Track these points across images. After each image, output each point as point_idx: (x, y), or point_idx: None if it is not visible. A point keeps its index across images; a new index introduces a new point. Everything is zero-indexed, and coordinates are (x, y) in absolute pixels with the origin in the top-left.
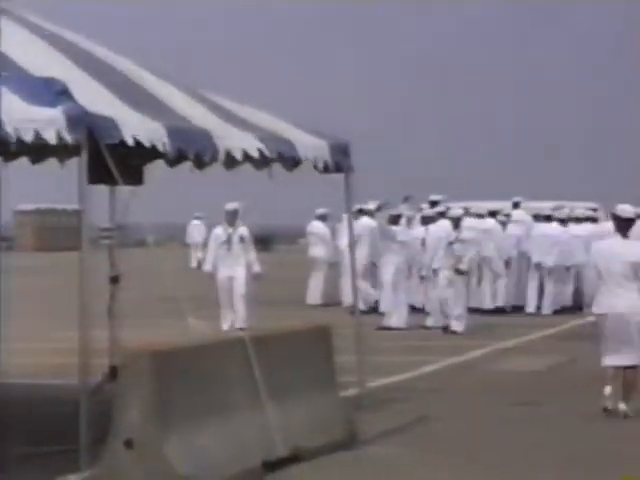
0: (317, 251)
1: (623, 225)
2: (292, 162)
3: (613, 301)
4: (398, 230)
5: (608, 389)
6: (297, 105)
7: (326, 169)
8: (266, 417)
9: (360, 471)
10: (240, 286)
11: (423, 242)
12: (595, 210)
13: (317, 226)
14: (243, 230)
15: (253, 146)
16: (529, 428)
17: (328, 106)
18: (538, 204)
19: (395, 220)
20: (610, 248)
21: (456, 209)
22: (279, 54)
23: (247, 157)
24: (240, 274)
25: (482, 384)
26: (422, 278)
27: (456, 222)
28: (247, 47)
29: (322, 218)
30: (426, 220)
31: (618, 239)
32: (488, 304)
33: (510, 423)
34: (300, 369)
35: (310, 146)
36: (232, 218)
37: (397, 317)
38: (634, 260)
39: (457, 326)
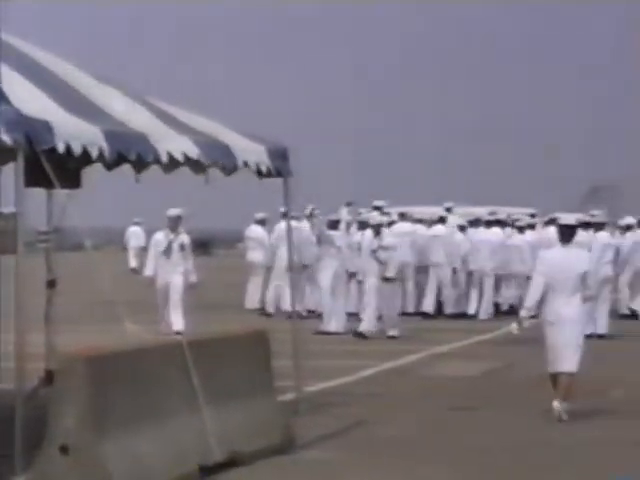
0: (255, 255)
1: (567, 233)
2: (230, 167)
3: (558, 309)
4: (336, 235)
5: (555, 404)
6: (237, 110)
7: (264, 174)
8: (203, 422)
9: (297, 475)
10: (176, 293)
11: (359, 247)
12: (534, 216)
13: (255, 230)
14: (184, 237)
15: (191, 150)
16: (465, 432)
17: (270, 110)
18: (472, 209)
19: (334, 225)
20: (557, 257)
21: (376, 216)
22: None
23: (187, 159)
24: (177, 281)
25: (418, 389)
26: (359, 283)
27: (377, 229)
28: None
29: (261, 222)
30: (363, 225)
31: (562, 248)
32: (429, 309)
33: (446, 427)
34: (238, 373)
35: (248, 151)
36: (174, 224)
37: (335, 322)
38: (580, 271)
39: (393, 331)
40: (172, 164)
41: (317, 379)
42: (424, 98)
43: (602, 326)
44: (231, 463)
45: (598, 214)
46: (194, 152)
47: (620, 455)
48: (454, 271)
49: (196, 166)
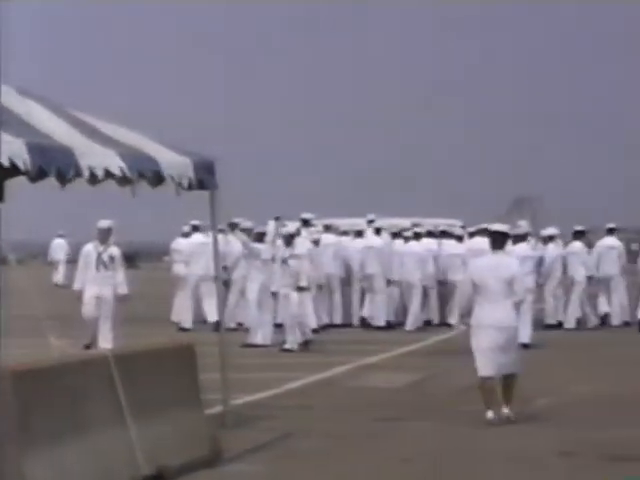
0: (182, 268)
1: (499, 240)
2: (155, 179)
3: (492, 314)
4: (262, 248)
5: (506, 411)
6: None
7: (190, 186)
8: (130, 436)
9: None
10: (107, 306)
11: (285, 260)
12: (464, 227)
13: (181, 243)
14: (114, 249)
15: (115, 164)
16: (389, 443)
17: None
18: (395, 221)
19: (260, 238)
20: (487, 264)
21: (291, 226)
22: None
23: (109, 174)
24: (107, 294)
25: (345, 400)
26: (273, 295)
27: (288, 239)
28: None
29: (187, 235)
30: (288, 238)
31: (492, 255)
32: (356, 320)
33: (371, 438)
34: (165, 387)
35: (173, 163)
36: (105, 236)
37: (262, 334)
38: (508, 276)
39: (290, 345)
40: (96, 178)
41: (244, 392)
42: (346, 111)
43: (525, 335)
44: (159, 477)
45: (523, 225)
46: (117, 167)
47: (544, 465)
48: (388, 282)
49: (122, 179)
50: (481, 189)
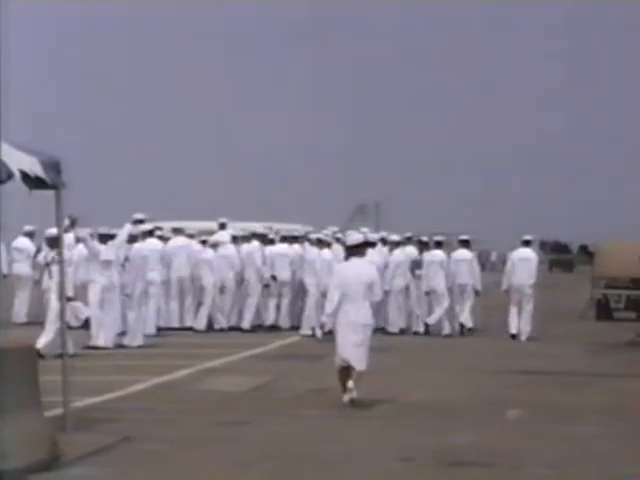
0: (22, 268)
1: (360, 248)
2: (2, 177)
3: (353, 314)
4: (102, 249)
5: (350, 384)
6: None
7: (36, 185)
8: None
9: None
10: None
11: (127, 258)
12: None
13: (23, 242)
14: None
15: None
16: (227, 446)
17: (47, 123)
18: (246, 224)
19: (104, 239)
20: (349, 269)
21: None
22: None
23: None
24: None
25: (186, 404)
26: (127, 296)
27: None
28: None
29: (29, 235)
30: (131, 239)
31: (354, 261)
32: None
33: (209, 442)
34: (4, 388)
35: (20, 162)
36: None
37: (104, 336)
38: (368, 280)
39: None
40: None
41: (86, 394)
42: (203, 111)
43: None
44: None
45: (367, 231)
46: None
47: (385, 469)
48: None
49: None
50: (324, 195)
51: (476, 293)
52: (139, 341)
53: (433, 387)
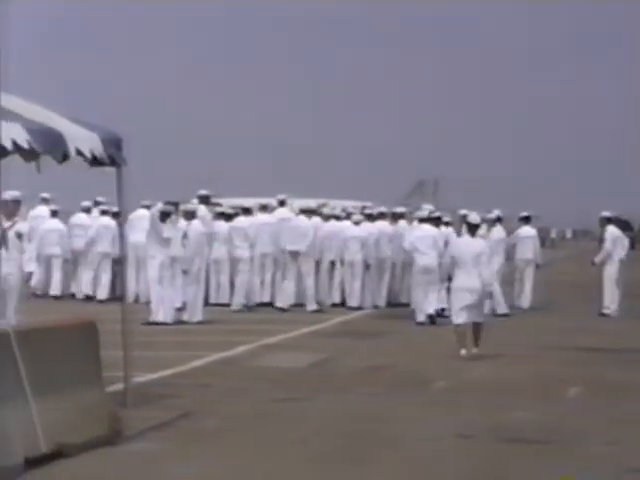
0: (81, 243)
1: (473, 228)
2: (61, 155)
3: (469, 279)
4: (166, 226)
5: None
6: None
7: (97, 162)
8: (30, 413)
9: (122, 467)
10: (13, 286)
11: (185, 235)
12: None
13: (81, 218)
14: (22, 226)
15: (22, 137)
16: (287, 423)
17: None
18: (303, 201)
19: (163, 217)
20: (464, 243)
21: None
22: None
23: (17, 148)
24: (13, 274)
25: (246, 380)
26: (185, 273)
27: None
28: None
29: (87, 210)
30: (188, 215)
31: (468, 238)
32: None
33: (269, 418)
34: (66, 364)
35: (80, 138)
36: (12, 210)
37: (163, 312)
38: (479, 251)
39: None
40: (1, 152)
41: (147, 370)
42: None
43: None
44: (57, 455)
45: (431, 208)
46: (25, 139)
47: (444, 445)
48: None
49: (26, 153)
50: (381, 171)
51: (537, 266)
52: (198, 317)
53: (492, 364)
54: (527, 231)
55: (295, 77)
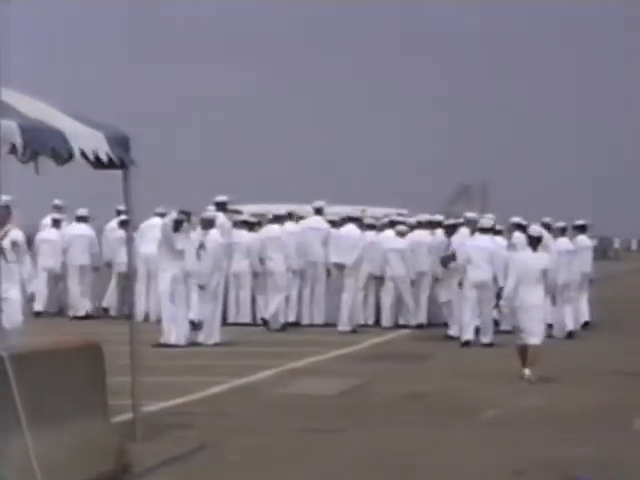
0: None
1: (535, 241)
2: (63, 155)
3: (527, 295)
4: (179, 237)
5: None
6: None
7: (104, 163)
8: (25, 446)
9: None
10: (15, 310)
11: (202, 246)
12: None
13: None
14: (16, 233)
15: (13, 135)
16: (315, 456)
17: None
18: (341, 208)
19: (177, 227)
20: (525, 259)
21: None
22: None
23: (13, 149)
24: (14, 294)
25: (269, 408)
26: (201, 288)
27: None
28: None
29: (83, 220)
30: (206, 224)
31: (530, 252)
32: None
33: (299, 452)
34: (67, 391)
35: (84, 138)
36: (2, 217)
37: (176, 332)
38: (542, 267)
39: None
40: None
41: (157, 397)
42: (286, 94)
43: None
44: None
45: (475, 216)
46: (17, 138)
47: None
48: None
49: (22, 154)
50: (420, 175)
51: (590, 281)
52: (216, 338)
53: (543, 390)
54: (583, 241)
55: (342, 72)
